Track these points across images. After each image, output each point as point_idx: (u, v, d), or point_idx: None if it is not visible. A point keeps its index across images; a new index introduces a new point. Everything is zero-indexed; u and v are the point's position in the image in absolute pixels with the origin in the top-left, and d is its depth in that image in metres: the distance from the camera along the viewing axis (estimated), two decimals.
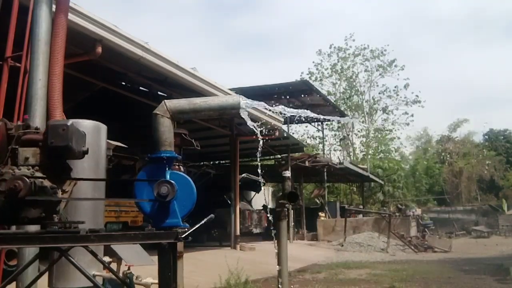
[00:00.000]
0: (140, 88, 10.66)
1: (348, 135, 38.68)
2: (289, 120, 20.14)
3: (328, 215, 24.80)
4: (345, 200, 32.75)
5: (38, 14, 3.98)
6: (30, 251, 3.89)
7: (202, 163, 18.93)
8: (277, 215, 4.92)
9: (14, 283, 3.83)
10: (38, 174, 2.09)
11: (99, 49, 7.00)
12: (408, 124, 39.53)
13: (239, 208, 15.55)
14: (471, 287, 8.64)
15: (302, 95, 20.75)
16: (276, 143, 17.28)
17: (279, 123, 14.13)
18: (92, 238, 2.12)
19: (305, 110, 2.56)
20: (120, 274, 3.72)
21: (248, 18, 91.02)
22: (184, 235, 2.18)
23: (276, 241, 4.71)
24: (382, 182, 31.13)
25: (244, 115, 2.41)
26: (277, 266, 4.67)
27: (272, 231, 4.63)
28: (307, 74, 39.07)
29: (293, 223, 19.68)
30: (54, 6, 3.87)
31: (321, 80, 39.13)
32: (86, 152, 2.24)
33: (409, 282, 8.95)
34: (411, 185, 37.75)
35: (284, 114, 2.49)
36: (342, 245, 18.65)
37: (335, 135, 39.93)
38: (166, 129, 2.41)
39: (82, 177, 2.79)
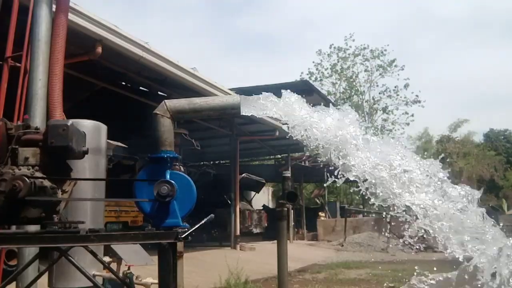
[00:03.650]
0: (140, 88, 10.66)
1: None
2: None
3: (328, 215, 24.81)
4: (345, 200, 32.75)
5: (38, 14, 3.98)
6: (30, 251, 3.89)
7: (202, 163, 18.92)
8: (277, 215, 4.94)
9: (14, 283, 3.83)
10: (38, 174, 2.09)
11: (99, 49, 7.00)
12: (408, 124, 39.49)
13: (239, 208, 15.55)
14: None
15: (302, 95, 20.69)
16: (276, 143, 17.29)
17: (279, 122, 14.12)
18: (92, 238, 2.12)
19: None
20: (120, 274, 3.72)
21: (248, 18, 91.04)
22: (184, 235, 2.18)
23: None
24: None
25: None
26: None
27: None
28: (307, 74, 39.05)
29: (293, 223, 19.68)
30: (54, 6, 3.87)
31: (321, 80, 39.07)
32: (86, 152, 2.24)
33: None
34: None
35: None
36: (342, 245, 18.65)
37: None
38: (166, 129, 2.41)
39: (82, 177, 2.79)
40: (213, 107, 2.52)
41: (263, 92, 2.67)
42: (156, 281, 2.55)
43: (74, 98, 9.09)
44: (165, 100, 2.47)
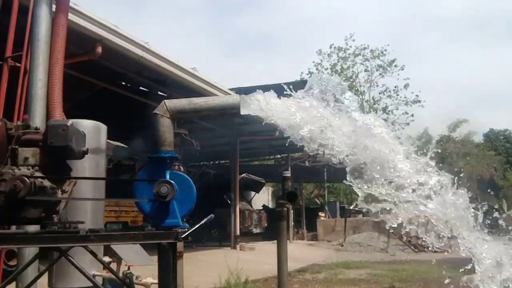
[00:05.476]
0: (140, 88, 10.65)
1: None
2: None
3: (328, 215, 24.81)
4: (345, 200, 32.74)
5: (38, 14, 3.98)
6: (30, 251, 3.89)
7: (202, 163, 18.92)
8: (277, 215, 4.94)
9: (14, 283, 3.83)
10: (38, 174, 2.09)
11: (99, 49, 7.00)
12: (408, 124, 39.50)
13: (239, 208, 15.55)
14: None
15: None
16: (276, 143, 17.29)
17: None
18: (92, 238, 2.12)
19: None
20: (120, 274, 3.72)
21: (248, 18, 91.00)
22: (184, 235, 2.18)
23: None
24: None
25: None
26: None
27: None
28: (307, 74, 39.05)
29: (293, 223, 19.67)
30: (54, 6, 3.87)
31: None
32: (86, 152, 2.24)
33: (409, 282, 8.95)
34: None
35: None
36: (342, 245, 18.65)
37: None
38: (166, 129, 2.41)
39: (82, 177, 2.79)
40: (213, 107, 2.51)
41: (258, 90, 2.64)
42: (156, 281, 2.55)
43: (74, 98, 9.09)
44: (165, 100, 2.47)
